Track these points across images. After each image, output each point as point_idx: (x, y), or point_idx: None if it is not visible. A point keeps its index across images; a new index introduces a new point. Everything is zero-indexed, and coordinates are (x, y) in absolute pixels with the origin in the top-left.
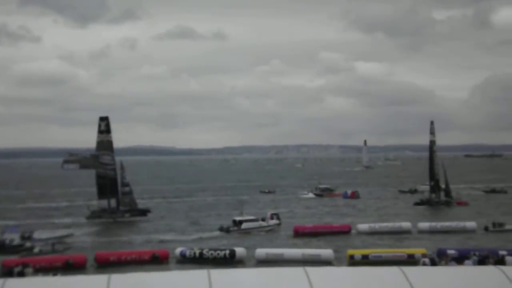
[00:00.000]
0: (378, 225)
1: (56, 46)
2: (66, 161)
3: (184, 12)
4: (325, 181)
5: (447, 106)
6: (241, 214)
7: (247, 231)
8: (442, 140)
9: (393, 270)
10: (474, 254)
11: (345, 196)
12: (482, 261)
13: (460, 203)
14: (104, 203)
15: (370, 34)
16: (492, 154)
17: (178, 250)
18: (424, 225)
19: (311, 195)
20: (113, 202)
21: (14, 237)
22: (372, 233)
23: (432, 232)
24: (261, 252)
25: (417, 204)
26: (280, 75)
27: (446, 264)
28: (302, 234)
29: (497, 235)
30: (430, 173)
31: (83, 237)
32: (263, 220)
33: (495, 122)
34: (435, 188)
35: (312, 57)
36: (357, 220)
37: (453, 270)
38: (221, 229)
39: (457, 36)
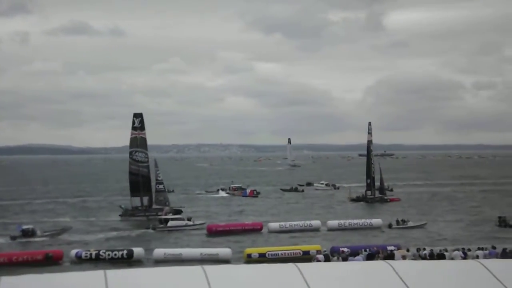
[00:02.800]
0: (288, 224)
1: None
2: None
3: (78, 6)
4: (246, 180)
5: (342, 106)
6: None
7: (173, 229)
8: (338, 140)
9: (288, 266)
10: (365, 250)
11: (244, 195)
12: (371, 256)
13: (393, 200)
14: (136, 200)
15: (269, 35)
16: (383, 153)
17: (74, 251)
18: (333, 223)
19: (223, 193)
20: (145, 200)
21: (15, 234)
22: (282, 231)
23: (341, 229)
24: (159, 252)
25: (353, 200)
26: (180, 73)
27: (338, 260)
28: (215, 233)
29: (399, 232)
30: (367, 171)
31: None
32: (189, 219)
33: (387, 122)
34: (370, 185)
35: (211, 56)
36: (272, 219)
37: (344, 265)
38: (147, 227)
39: (351, 38)
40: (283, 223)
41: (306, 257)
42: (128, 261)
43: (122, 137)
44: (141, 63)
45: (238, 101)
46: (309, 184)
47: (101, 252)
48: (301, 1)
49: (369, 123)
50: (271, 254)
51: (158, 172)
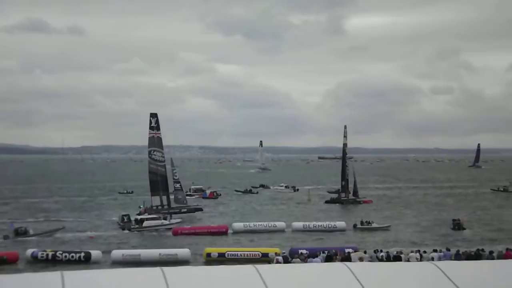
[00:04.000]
0: (253, 224)
1: None
2: None
3: (36, 3)
4: (208, 182)
5: (303, 109)
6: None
7: (149, 230)
8: (298, 142)
9: (247, 267)
10: (323, 252)
11: (204, 196)
12: (329, 258)
13: (366, 202)
14: (156, 199)
15: (229, 37)
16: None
17: (29, 252)
18: (297, 224)
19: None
20: (164, 199)
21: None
22: (247, 232)
23: (305, 231)
24: (117, 253)
25: (327, 202)
26: (140, 74)
27: (297, 261)
28: (181, 234)
29: (363, 233)
30: (342, 174)
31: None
32: (165, 218)
33: (346, 125)
34: (345, 187)
35: (172, 57)
36: (234, 220)
37: (302, 267)
38: (123, 228)
39: (312, 41)
40: (247, 223)
41: (265, 259)
42: (86, 263)
43: (80, 138)
44: (102, 63)
45: (199, 102)
46: (262, 186)
47: (57, 253)
48: (262, 3)
49: (345, 127)
50: (230, 254)
51: (174, 171)
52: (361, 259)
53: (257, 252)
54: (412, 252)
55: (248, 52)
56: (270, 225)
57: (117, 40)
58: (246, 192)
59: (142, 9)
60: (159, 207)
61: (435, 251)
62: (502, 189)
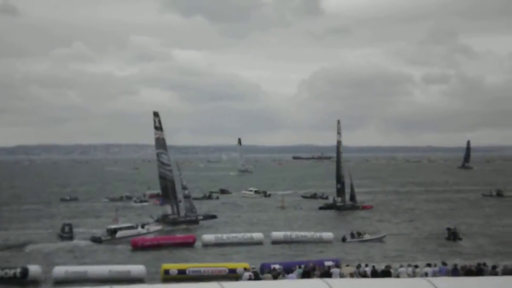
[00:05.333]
0: (226, 236)
1: None
2: None
3: None
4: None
5: (274, 102)
6: (115, 221)
7: (123, 241)
8: (268, 140)
9: (212, 285)
10: (299, 267)
11: (161, 203)
12: (307, 274)
13: (365, 207)
14: (167, 208)
15: (188, 18)
16: (321, 156)
17: None
18: (277, 234)
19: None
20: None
21: None
22: (218, 244)
23: (287, 242)
24: (59, 270)
25: (321, 208)
26: (84, 61)
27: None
28: (142, 247)
29: (353, 245)
30: (337, 175)
31: None
32: (143, 227)
33: (324, 120)
34: (341, 191)
35: (121, 42)
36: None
37: (275, 284)
38: (93, 239)
39: (284, 22)
40: (219, 235)
41: (232, 275)
42: (22, 280)
43: (13, 136)
44: (37, 48)
45: (153, 94)
46: (223, 191)
47: None
48: None
49: (338, 121)
50: (192, 271)
51: (181, 176)
52: (351, 275)
53: (223, 268)
54: (402, 266)
55: (209, 36)
56: (246, 236)
57: (56, 20)
58: (204, 198)
59: None
60: (170, 216)
61: (428, 265)
62: (495, 193)
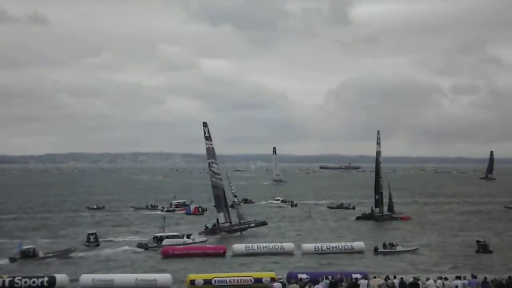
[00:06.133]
0: (256, 246)
1: None
2: None
3: None
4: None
5: (300, 111)
6: (162, 229)
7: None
8: (296, 150)
9: None
10: (326, 278)
11: (187, 212)
12: (334, 285)
13: (403, 218)
14: (220, 216)
15: (216, 27)
16: (348, 166)
17: None
18: (308, 246)
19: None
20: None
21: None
22: (250, 254)
23: (317, 253)
24: (86, 278)
25: (358, 218)
26: (112, 70)
27: None
28: (172, 256)
29: (386, 257)
30: (376, 186)
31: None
32: (188, 237)
33: (351, 130)
34: (379, 201)
35: (149, 51)
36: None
37: None
38: (140, 245)
39: (312, 32)
40: (249, 245)
41: (258, 285)
42: None
43: (42, 144)
44: (67, 57)
45: (181, 103)
46: (246, 200)
47: (16, 279)
48: None
49: (378, 132)
50: (217, 281)
51: (231, 184)
52: (380, 287)
53: (249, 278)
54: (429, 279)
55: (238, 45)
56: (276, 246)
57: (85, 30)
58: None
59: None
60: (224, 224)
61: (458, 278)
62: None
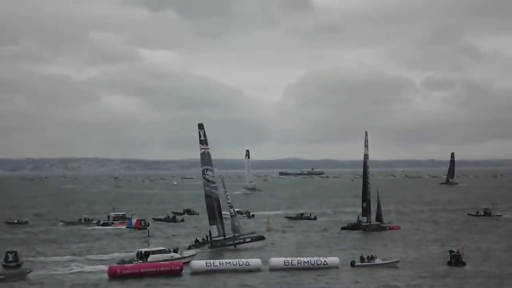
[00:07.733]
0: (218, 262)
1: None
2: None
3: None
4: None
5: (257, 110)
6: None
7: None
8: (252, 154)
9: None
10: None
11: (129, 225)
12: None
13: (392, 228)
14: (214, 229)
15: (157, 12)
16: (311, 172)
17: None
18: (277, 261)
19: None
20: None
21: None
22: (209, 271)
23: (287, 269)
24: None
25: (344, 228)
26: (34, 61)
27: None
28: (120, 276)
29: (359, 271)
30: (363, 193)
31: None
32: (175, 251)
33: (313, 131)
34: (366, 210)
35: (80, 39)
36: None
37: None
38: (122, 262)
39: (268, 19)
40: (210, 261)
41: None
42: None
43: None
44: None
45: (118, 100)
46: (188, 211)
47: None
48: None
49: (366, 133)
50: None
51: (226, 193)
52: None
53: None
54: None
55: (182, 34)
56: (241, 262)
57: (2, 15)
58: (167, 220)
59: None
60: (220, 239)
61: None
62: (482, 213)
